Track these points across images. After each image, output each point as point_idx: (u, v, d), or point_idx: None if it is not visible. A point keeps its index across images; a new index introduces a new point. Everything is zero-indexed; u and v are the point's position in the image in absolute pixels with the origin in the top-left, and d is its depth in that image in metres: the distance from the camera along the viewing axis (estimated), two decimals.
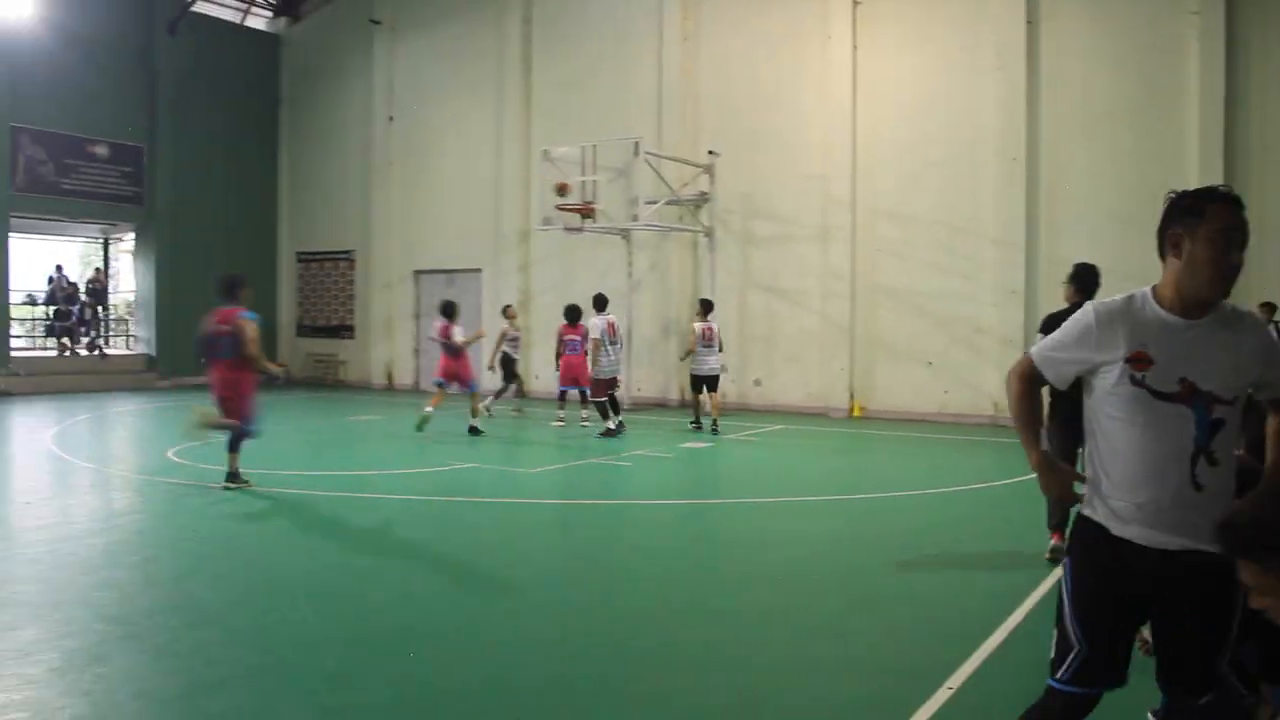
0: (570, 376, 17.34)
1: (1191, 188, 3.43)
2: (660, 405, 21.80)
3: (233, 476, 11.12)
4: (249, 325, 11.05)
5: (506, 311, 19.17)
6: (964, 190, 18.91)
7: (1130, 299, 3.36)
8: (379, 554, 8.58)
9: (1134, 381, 3.26)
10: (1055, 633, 3.42)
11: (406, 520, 10.10)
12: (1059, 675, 3.37)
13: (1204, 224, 3.26)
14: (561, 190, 19.13)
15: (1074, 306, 10.03)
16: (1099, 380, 3.34)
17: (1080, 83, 18.07)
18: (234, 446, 11.13)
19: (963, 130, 18.97)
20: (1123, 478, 3.30)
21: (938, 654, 5.87)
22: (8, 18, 22.94)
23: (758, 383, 21.20)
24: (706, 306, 17.76)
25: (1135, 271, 17.62)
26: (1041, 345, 3.54)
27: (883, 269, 19.81)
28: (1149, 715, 4.76)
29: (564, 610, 6.92)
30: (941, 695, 5.16)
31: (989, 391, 18.44)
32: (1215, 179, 16.53)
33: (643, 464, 13.81)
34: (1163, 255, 3.37)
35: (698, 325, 17.29)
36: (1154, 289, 3.36)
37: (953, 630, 6.41)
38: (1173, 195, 3.39)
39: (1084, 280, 9.38)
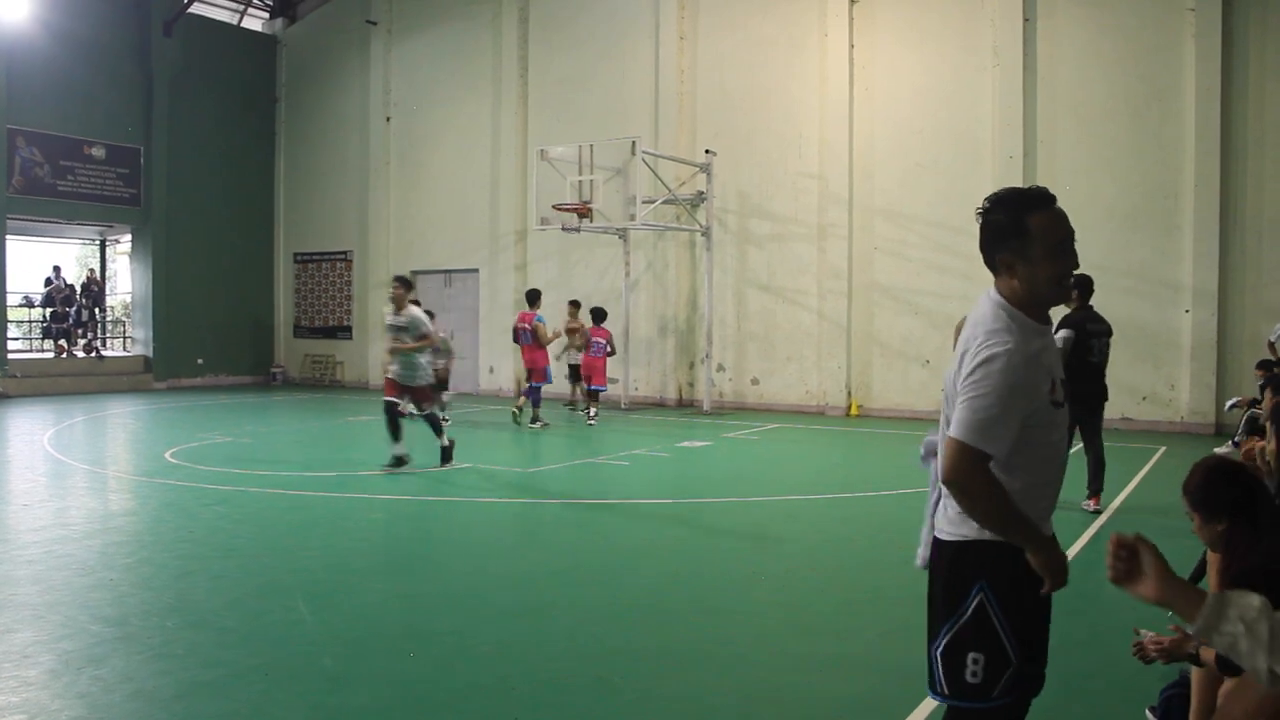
0: (587, 376, 18.35)
1: (1000, 192, 3.22)
2: (658, 405, 21.80)
3: (536, 418, 17.29)
4: (540, 326, 17.58)
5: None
6: (961, 188, 18.88)
7: (1022, 327, 3.12)
8: (376, 554, 8.58)
9: (1055, 405, 3.18)
10: (978, 658, 3.22)
11: (404, 520, 10.10)
12: (996, 694, 3.22)
13: (1034, 244, 3.11)
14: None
15: (1075, 310, 10.17)
16: (1025, 423, 3.13)
17: (1077, 80, 18.07)
18: (535, 402, 17.43)
19: (960, 128, 18.98)
20: (1041, 491, 3.24)
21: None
22: (3, 19, 22.90)
23: (755, 381, 21.20)
24: (577, 306, 19.50)
25: (1133, 269, 17.71)
26: (981, 427, 3.02)
27: (880, 268, 19.81)
28: (1146, 713, 4.77)
29: (562, 610, 6.91)
30: None
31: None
32: (1212, 176, 16.60)
33: (641, 463, 13.82)
34: (991, 269, 3.23)
35: (569, 324, 18.96)
36: (1011, 302, 3.16)
37: None
38: (984, 209, 3.21)
39: (1086, 288, 9.95)
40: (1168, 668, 4.60)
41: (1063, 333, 9.89)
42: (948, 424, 3.17)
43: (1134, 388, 17.46)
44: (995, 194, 3.23)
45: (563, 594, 7.36)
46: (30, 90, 23.93)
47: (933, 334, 19.20)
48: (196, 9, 27.27)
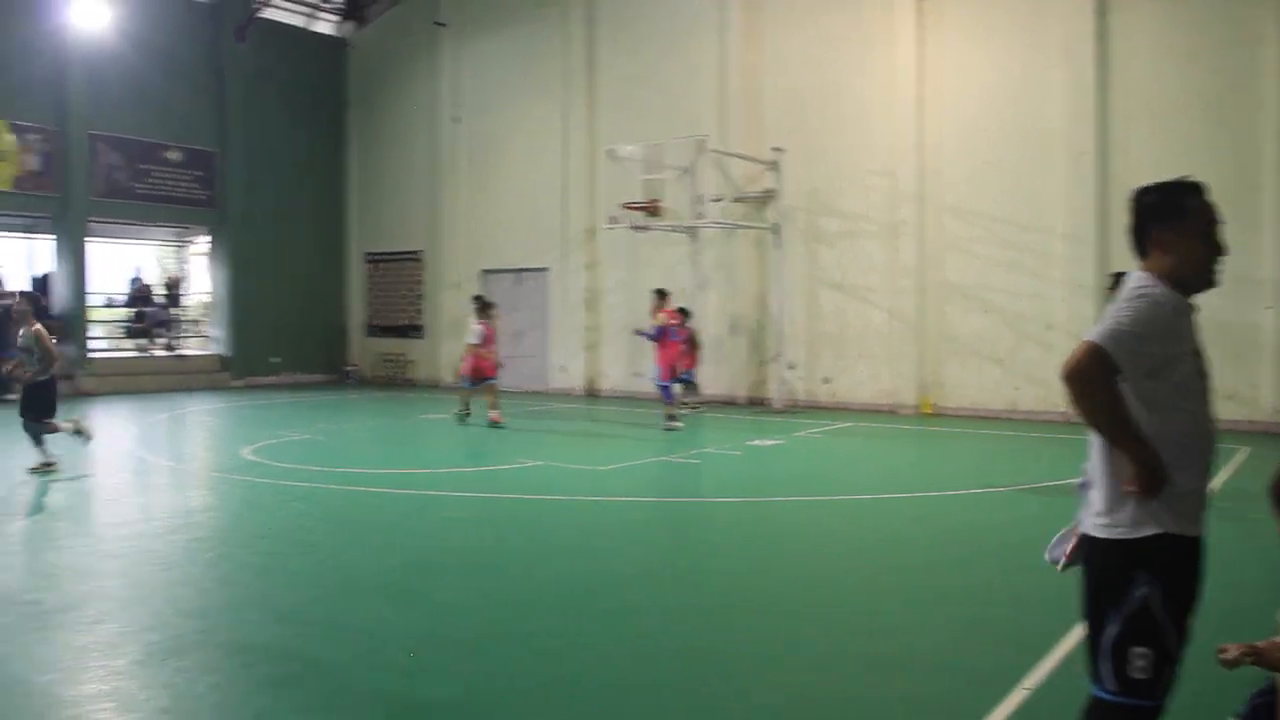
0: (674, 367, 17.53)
1: (1155, 183, 3.48)
2: (729, 403, 21.75)
3: (672, 417, 16.85)
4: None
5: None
6: (1032, 185, 18.65)
7: (1167, 289, 3.34)
8: (450, 552, 8.67)
9: (1200, 374, 3.37)
10: (1145, 653, 3.28)
11: (477, 518, 10.19)
12: (1160, 692, 3.32)
13: (1190, 222, 3.35)
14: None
15: None
16: (1166, 374, 3.28)
17: (1151, 75, 17.73)
18: (670, 399, 17.11)
19: (1031, 124, 18.71)
20: (1194, 471, 3.32)
21: (1011, 655, 5.81)
22: (87, 30, 23.48)
23: (826, 380, 21.09)
24: (486, 305, 18.13)
25: None
26: (1117, 336, 3.23)
27: (951, 265, 19.60)
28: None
29: (631, 609, 6.94)
30: (1017, 697, 5.10)
31: (1060, 388, 18.12)
32: None
33: (711, 461, 13.81)
34: (1141, 252, 3.47)
35: (481, 325, 17.52)
36: (1160, 278, 3.38)
37: (1026, 631, 6.35)
38: (1139, 193, 3.46)
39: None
40: (1256, 674, 4.50)
41: None
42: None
43: (1215, 387, 17.09)
44: (1149, 184, 3.49)
45: (632, 594, 7.39)
46: (110, 97, 24.48)
47: (1005, 332, 18.96)
48: (268, 14, 27.69)
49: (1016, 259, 18.85)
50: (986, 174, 19.14)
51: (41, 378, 12.15)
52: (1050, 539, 3.83)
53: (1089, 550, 3.45)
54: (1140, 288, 3.32)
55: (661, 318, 17.57)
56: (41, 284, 25.23)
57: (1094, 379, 3.25)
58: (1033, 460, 13.94)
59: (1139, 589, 3.27)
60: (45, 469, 12.06)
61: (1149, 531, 3.26)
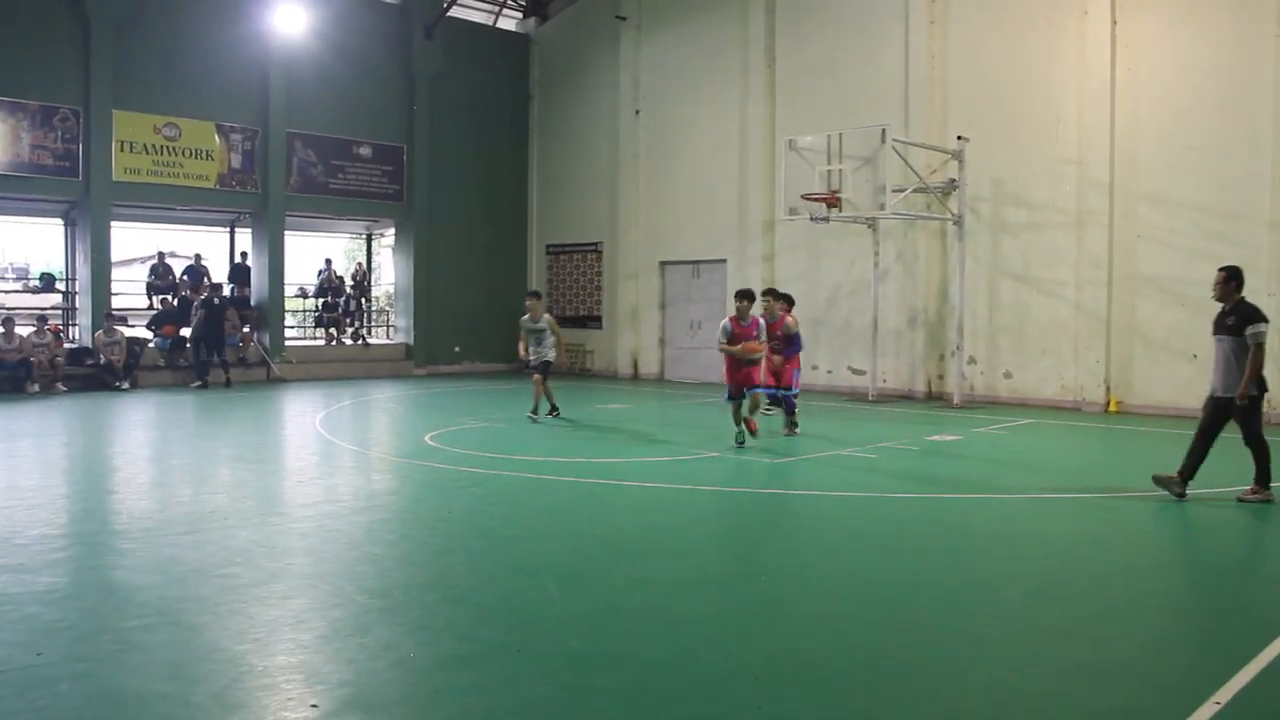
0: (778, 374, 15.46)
1: None
2: (906, 397, 21.36)
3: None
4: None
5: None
6: (1238, 170, 17.67)
7: None
8: (623, 539, 8.73)
9: None
10: None
11: (651, 507, 10.23)
12: None
13: None
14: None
15: (1244, 302, 9.89)
16: None
17: None
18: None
19: (1237, 105, 17.69)
20: None
21: (1201, 666, 5.55)
22: (286, 34, 24.59)
23: (1007, 375, 20.49)
24: (739, 295, 14.14)
25: None
26: None
27: (1143, 257, 18.76)
28: None
29: (806, 602, 6.87)
30: (1206, 710, 4.85)
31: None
32: None
33: (888, 456, 13.57)
34: None
35: (729, 321, 13.95)
36: None
37: (1218, 642, 6.06)
38: None
39: (1242, 280, 10.44)
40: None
41: (1263, 327, 10.57)
42: None
43: None
44: None
45: (807, 586, 7.32)
46: (306, 96, 25.61)
47: (1202, 327, 17.90)
48: (455, 12, 28.43)
49: (1218, 250, 17.87)
50: (1186, 159, 18.23)
51: None
52: (1248, 546, 3.62)
53: None
54: None
55: (791, 322, 15.62)
56: (240, 273, 26.57)
57: None
58: (1232, 463, 13.22)
59: None
60: None
61: None
